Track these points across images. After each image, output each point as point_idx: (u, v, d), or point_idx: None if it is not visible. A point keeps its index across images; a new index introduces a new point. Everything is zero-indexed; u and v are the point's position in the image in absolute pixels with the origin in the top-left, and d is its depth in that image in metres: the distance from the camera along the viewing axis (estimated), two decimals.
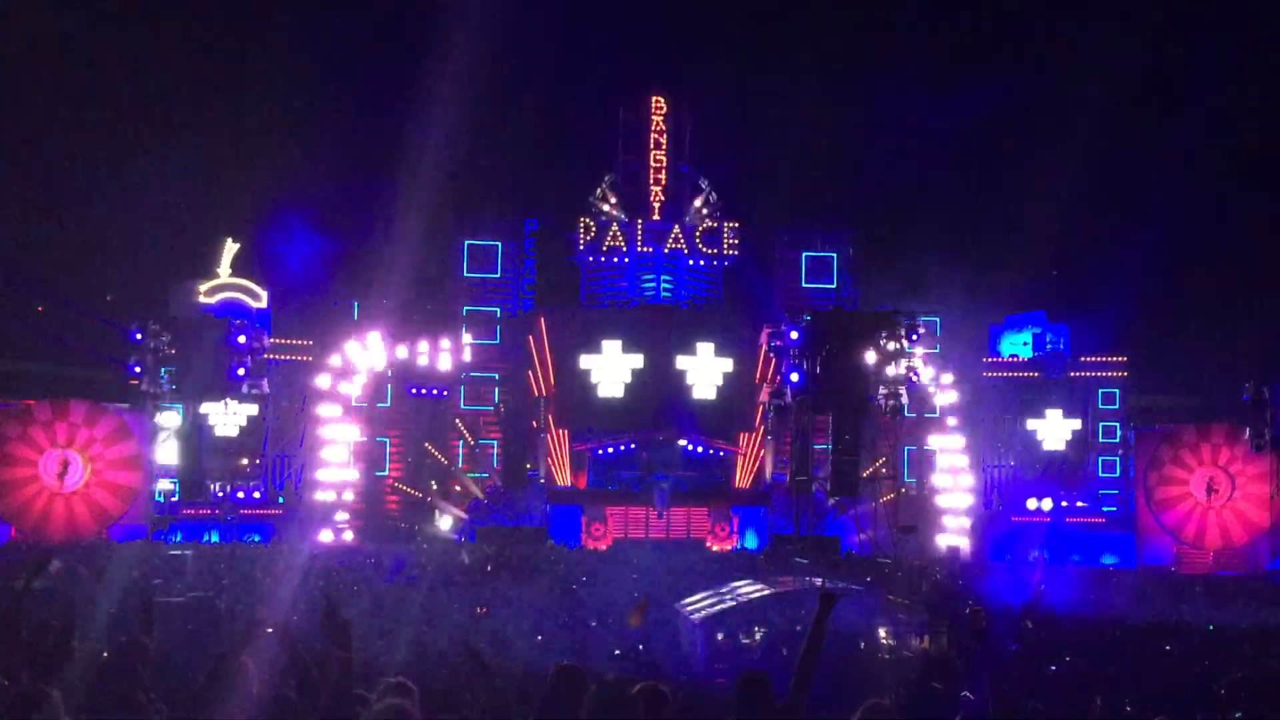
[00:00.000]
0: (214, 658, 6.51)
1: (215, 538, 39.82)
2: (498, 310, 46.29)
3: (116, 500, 40.45)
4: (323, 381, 41.57)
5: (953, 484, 44.33)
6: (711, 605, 23.67)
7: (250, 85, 48.75)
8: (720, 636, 22.37)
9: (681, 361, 44.92)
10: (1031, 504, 44.43)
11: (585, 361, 44.90)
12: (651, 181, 46.64)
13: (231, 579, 28.28)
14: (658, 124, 46.75)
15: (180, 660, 14.07)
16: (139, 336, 40.44)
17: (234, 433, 41.12)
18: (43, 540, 36.00)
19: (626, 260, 46.57)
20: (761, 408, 44.08)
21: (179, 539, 38.82)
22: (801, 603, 22.91)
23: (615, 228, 46.11)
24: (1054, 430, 45.37)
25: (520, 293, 47.02)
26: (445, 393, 43.82)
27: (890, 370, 39.33)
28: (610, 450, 43.95)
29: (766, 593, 24.45)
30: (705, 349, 45.13)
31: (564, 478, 44.07)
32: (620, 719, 5.66)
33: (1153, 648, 21.86)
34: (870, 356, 39.21)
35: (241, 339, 40.16)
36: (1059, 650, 21.10)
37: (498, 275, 46.45)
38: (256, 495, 41.36)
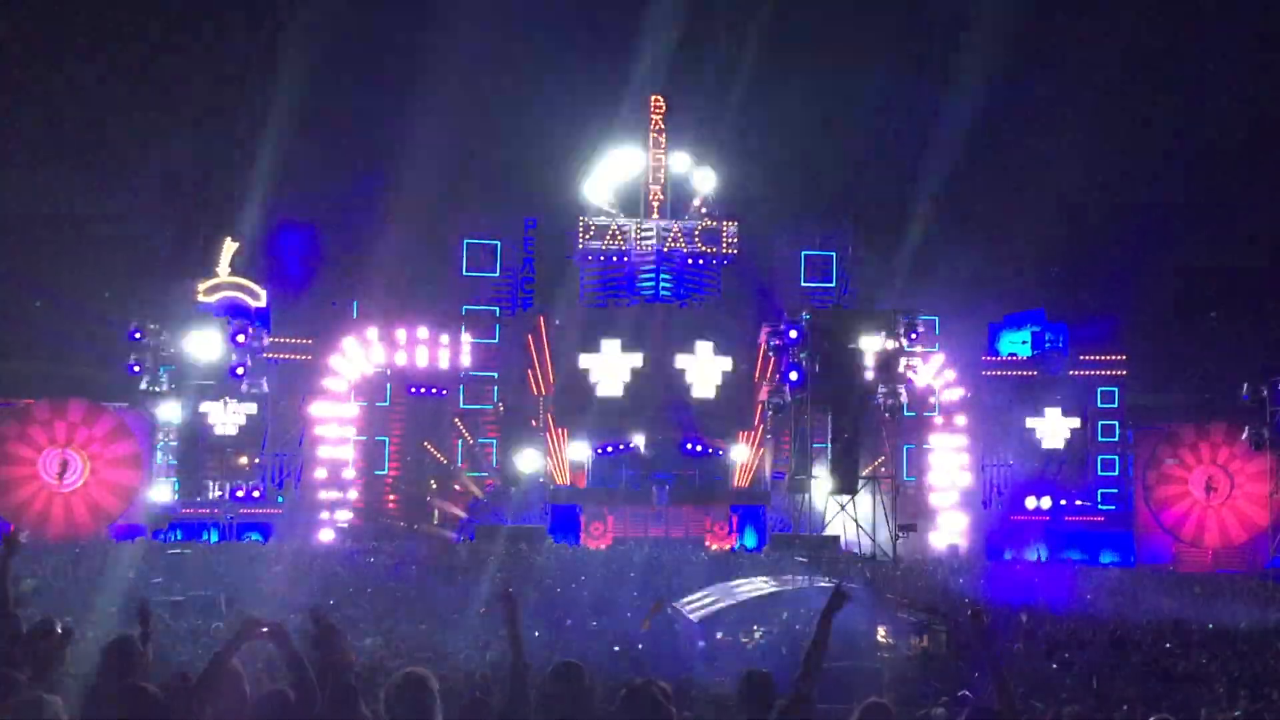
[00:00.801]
0: (211, 657, 6.51)
1: (214, 537, 39.84)
2: (497, 309, 46.26)
3: (115, 499, 40.46)
4: (322, 381, 41.60)
5: (952, 482, 44.40)
6: (711, 604, 23.69)
7: (250, 85, 48.75)
8: (720, 635, 22.39)
9: (681, 360, 44.89)
10: (1030, 502, 44.47)
11: (585, 361, 44.87)
12: (651, 181, 46.63)
13: (231, 578, 28.31)
14: (657, 124, 46.74)
15: (180, 660, 14.10)
16: (138, 335, 40.51)
17: (233, 432, 41.10)
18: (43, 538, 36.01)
19: (626, 259, 46.53)
20: (760, 406, 44.10)
21: (178, 538, 38.86)
22: (801, 602, 22.94)
23: (614, 227, 46.09)
24: (1053, 428, 45.35)
25: (520, 292, 47.00)
26: (444, 392, 43.85)
27: (889, 369, 39.36)
28: (610, 449, 43.95)
29: (765, 592, 24.48)
30: (704, 348, 45.10)
31: (564, 477, 44.11)
32: (620, 718, 5.66)
33: (1153, 646, 21.90)
34: (869, 355, 39.23)
35: (241, 338, 40.21)
36: (1059, 649, 21.14)
37: (497, 274, 46.42)
38: (256, 494, 41.36)
